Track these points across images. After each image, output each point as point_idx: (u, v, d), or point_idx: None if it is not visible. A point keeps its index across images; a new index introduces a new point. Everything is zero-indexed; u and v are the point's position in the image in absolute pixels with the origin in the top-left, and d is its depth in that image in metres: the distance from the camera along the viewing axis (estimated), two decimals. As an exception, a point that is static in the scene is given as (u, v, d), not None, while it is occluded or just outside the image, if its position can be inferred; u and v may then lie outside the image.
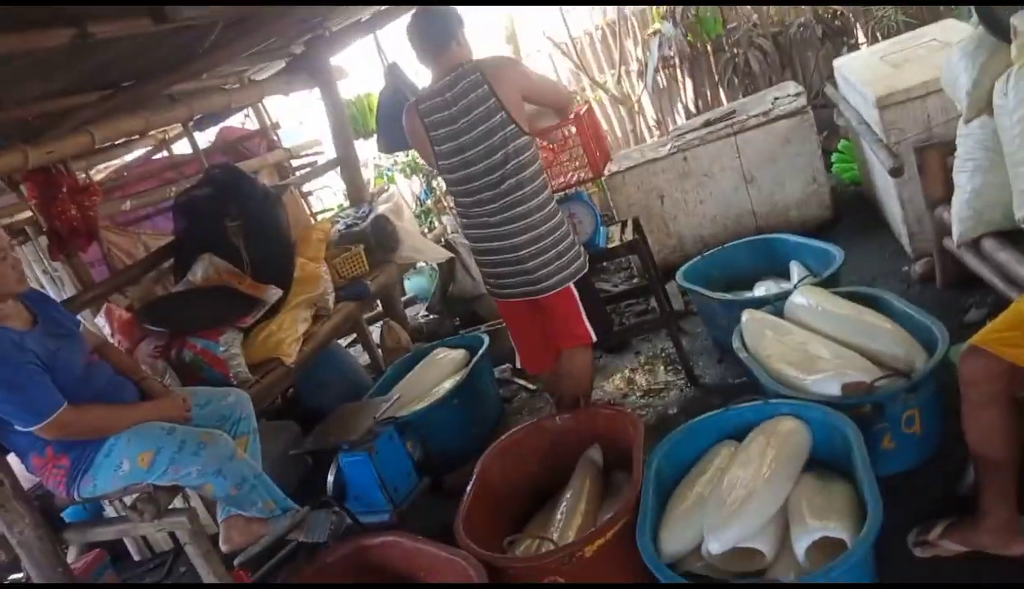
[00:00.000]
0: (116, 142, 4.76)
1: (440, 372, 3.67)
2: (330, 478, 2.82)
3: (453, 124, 2.53)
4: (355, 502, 2.84)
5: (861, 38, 5.50)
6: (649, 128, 6.16)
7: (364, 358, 4.59)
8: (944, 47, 3.53)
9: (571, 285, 2.66)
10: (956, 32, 3.71)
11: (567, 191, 3.41)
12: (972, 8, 2.62)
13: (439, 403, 3.29)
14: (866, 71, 3.77)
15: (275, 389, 3.02)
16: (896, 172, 3.16)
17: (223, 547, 2.47)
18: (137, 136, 4.03)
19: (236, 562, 2.45)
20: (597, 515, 2.51)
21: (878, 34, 5.29)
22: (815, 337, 2.61)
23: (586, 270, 2.73)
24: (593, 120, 3.45)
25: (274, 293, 3.12)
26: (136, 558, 3.70)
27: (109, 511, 3.13)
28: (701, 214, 4.52)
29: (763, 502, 1.94)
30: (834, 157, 4.87)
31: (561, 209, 2.73)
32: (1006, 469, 1.81)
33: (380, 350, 4.44)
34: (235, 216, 3.33)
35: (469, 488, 2.54)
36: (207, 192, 3.40)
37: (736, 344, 2.75)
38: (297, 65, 4.29)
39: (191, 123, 3.87)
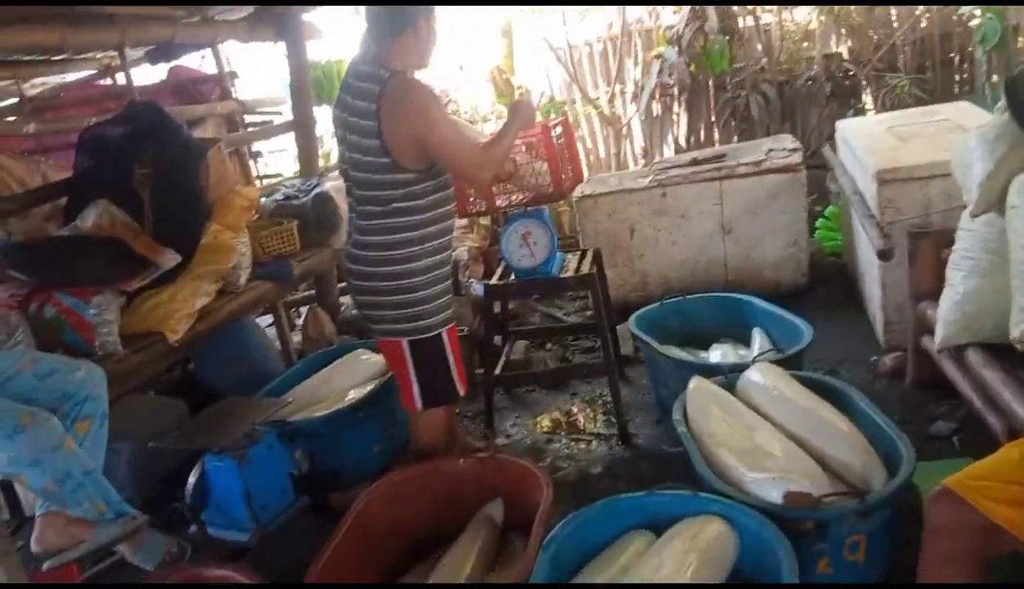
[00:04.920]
0: (54, 57, 4.32)
1: (356, 376, 3.28)
2: (191, 481, 2.42)
3: (347, 114, 2.25)
4: (216, 513, 2.45)
5: (869, 104, 5.23)
6: (635, 155, 5.83)
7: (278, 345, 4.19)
8: (956, 129, 3.25)
9: (403, 342, 2.35)
10: (971, 116, 3.45)
11: (527, 208, 3.08)
12: (1002, 92, 2.33)
13: (342, 413, 2.91)
14: (870, 139, 3.49)
15: (148, 368, 2.62)
16: (885, 255, 2.86)
17: (34, 547, 2.08)
18: (55, 57, 3.55)
19: (45, 566, 2.04)
20: (485, 578, 2.18)
21: (887, 102, 5.03)
22: (765, 425, 2.28)
23: (433, 335, 2.36)
24: (569, 135, 3.13)
25: (171, 259, 2.72)
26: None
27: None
28: (670, 256, 4.20)
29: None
30: (819, 222, 4.60)
31: (440, 255, 2.38)
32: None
33: (302, 337, 4.05)
34: (147, 163, 2.92)
35: (339, 529, 2.16)
36: (121, 130, 2.99)
37: (677, 415, 2.41)
38: (264, 13, 3.88)
39: (125, 52, 3.42)
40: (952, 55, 5.12)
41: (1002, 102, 2.38)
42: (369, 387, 3.11)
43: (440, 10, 2.38)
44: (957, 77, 5.13)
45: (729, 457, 2.16)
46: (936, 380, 2.80)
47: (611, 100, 5.76)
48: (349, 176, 2.34)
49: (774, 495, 1.96)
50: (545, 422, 3.31)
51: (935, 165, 2.96)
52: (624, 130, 5.78)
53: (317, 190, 3.80)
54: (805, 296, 4.03)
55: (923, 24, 5.14)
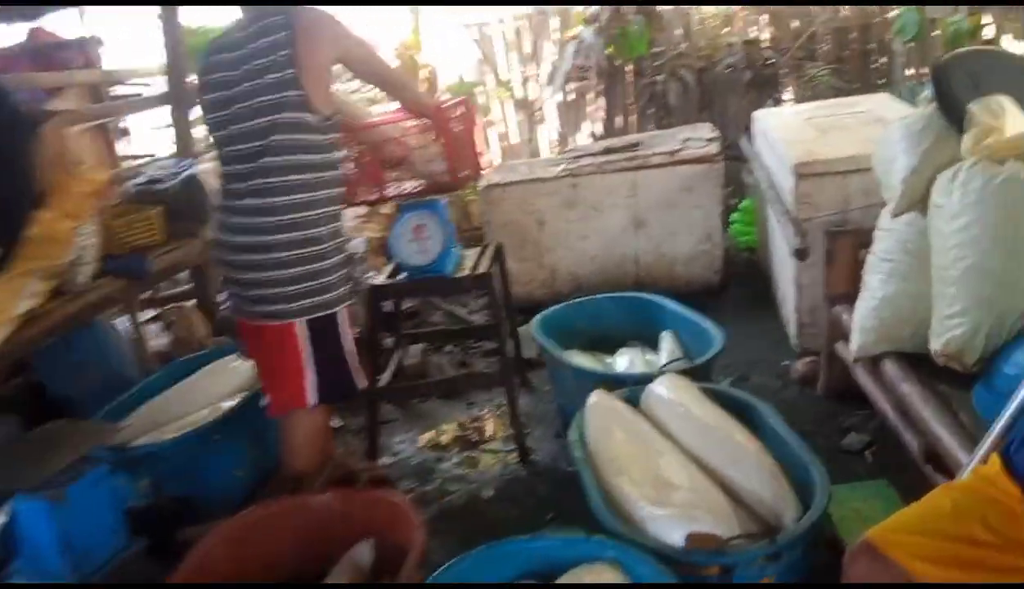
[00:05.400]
0: None
1: (224, 386, 2.89)
2: (-9, 526, 2.01)
3: (233, 70, 1.99)
4: (26, 563, 2.04)
5: (789, 95, 5.08)
6: (550, 142, 5.55)
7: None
8: (877, 122, 3.09)
9: (296, 324, 2.06)
10: (891, 109, 3.30)
11: (421, 197, 2.75)
12: (929, 82, 2.13)
13: (199, 433, 2.53)
14: (788, 130, 3.30)
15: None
16: (801, 254, 2.65)
17: None
18: None
19: None
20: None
21: (806, 93, 4.87)
22: (671, 450, 2.03)
23: (333, 312, 2.11)
24: (470, 118, 2.79)
25: (-20, 255, 2.29)
26: None
27: None
28: (581, 250, 3.95)
29: None
30: (734, 216, 4.41)
31: (338, 227, 2.16)
32: None
33: (172, 339, 3.62)
34: (-31, 140, 2.46)
35: (174, 575, 1.81)
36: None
37: (574, 435, 2.14)
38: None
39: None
40: (870, 45, 5.02)
41: (927, 92, 2.19)
42: (238, 399, 2.74)
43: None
44: (874, 67, 5.02)
45: (630, 488, 1.90)
46: (851, 388, 2.61)
47: (525, 82, 5.46)
48: (235, 137, 2.02)
49: (676, 536, 1.71)
50: (437, 437, 3.00)
51: (855, 159, 2.78)
52: (538, 115, 5.49)
53: (187, 173, 3.37)
54: (718, 294, 3.84)
55: (843, 12, 5.01)
